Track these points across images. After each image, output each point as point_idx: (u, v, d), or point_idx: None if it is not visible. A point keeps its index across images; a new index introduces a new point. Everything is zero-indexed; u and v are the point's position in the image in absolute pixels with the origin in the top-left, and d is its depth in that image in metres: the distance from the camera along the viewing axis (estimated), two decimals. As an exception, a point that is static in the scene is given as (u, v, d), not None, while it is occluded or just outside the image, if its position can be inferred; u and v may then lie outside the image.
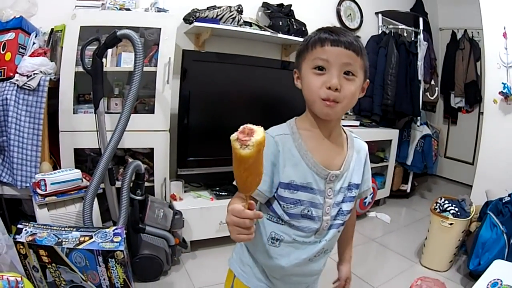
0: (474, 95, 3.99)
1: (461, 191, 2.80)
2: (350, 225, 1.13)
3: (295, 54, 0.97)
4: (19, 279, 1.22)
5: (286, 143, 0.91)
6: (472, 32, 4.08)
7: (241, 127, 0.63)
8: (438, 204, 2.49)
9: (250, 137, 0.61)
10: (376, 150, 3.57)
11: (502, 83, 2.49)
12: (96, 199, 1.79)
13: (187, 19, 2.45)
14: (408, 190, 3.78)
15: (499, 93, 2.50)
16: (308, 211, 0.91)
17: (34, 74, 1.82)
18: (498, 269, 1.20)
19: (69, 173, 1.77)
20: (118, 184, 2.02)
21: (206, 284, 2.03)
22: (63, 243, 1.37)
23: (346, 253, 1.16)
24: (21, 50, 1.91)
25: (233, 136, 0.63)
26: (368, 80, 0.94)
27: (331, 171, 0.91)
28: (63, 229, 1.45)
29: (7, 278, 1.20)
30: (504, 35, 2.48)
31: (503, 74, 2.52)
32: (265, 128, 0.68)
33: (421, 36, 3.59)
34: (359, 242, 2.65)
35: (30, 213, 1.96)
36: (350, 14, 3.57)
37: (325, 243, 0.97)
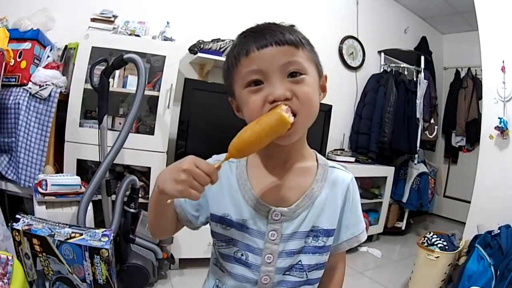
0: (475, 133, 3.95)
1: (459, 229, 2.73)
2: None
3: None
4: (9, 257, 1.32)
5: (225, 170, 0.76)
6: (475, 70, 4.11)
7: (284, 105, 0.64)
8: (426, 238, 2.50)
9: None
10: (371, 186, 3.61)
11: (499, 117, 2.47)
12: (92, 207, 1.91)
13: (192, 50, 2.64)
14: (403, 228, 3.77)
15: (495, 128, 2.49)
16: (242, 254, 0.74)
17: (46, 84, 1.97)
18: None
19: (70, 178, 1.90)
20: (114, 197, 2.14)
21: (189, 300, 2.08)
22: (55, 235, 1.49)
23: None
24: (36, 60, 2.06)
25: (284, 106, 0.63)
26: (326, 75, 0.76)
27: (275, 208, 0.72)
28: (57, 224, 1.58)
29: (-2, 255, 1.30)
30: (503, 69, 2.48)
31: (500, 109, 2.50)
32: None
33: (421, 75, 3.68)
34: (347, 274, 2.61)
35: (30, 212, 2.04)
36: (352, 52, 3.73)
37: None
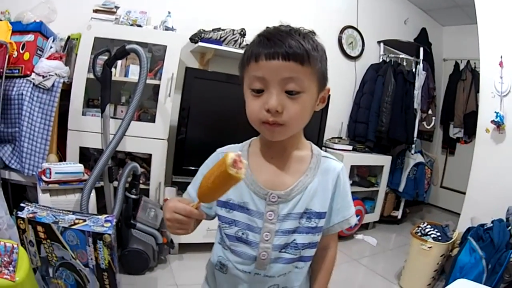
0: (473, 125, 3.90)
1: (455, 220, 2.79)
2: (323, 267, 0.92)
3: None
4: (15, 245, 1.36)
5: None
6: (475, 63, 4.10)
7: (236, 155, 0.64)
8: (419, 228, 2.55)
9: (241, 164, 0.65)
10: (368, 175, 3.65)
11: (495, 112, 2.49)
12: (94, 194, 1.96)
13: (193, 39, 2.66)
14: (399, 217, 3.83)
15: (491, 122, 2.51)
16: (243, 233, 0.83)
17: (49, 75, 2.00)
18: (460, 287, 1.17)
19: (73, 166, 1.94)
20: (116, 183, 2.19)
21: (188, 283, 2.16)
22: (60, 222, 1.54)
23: None
24: (39, 52, 2.08)
25: (230, 158, 0.63)
26: (328, 87, 0.82)
27: (272, 191, 0.81)
28: (61, 211, 1.62)
29: (4, 243, 1.34)
30: (501, 64, 2.50)
31: (497, 103, 2.53)
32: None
33: (420, 66, 3.70)
34: (342, 261, 2.69)
35: (33, 200, 2.08)
36: (352, 42, 3.73)
37: (273, 280, 0.84)
